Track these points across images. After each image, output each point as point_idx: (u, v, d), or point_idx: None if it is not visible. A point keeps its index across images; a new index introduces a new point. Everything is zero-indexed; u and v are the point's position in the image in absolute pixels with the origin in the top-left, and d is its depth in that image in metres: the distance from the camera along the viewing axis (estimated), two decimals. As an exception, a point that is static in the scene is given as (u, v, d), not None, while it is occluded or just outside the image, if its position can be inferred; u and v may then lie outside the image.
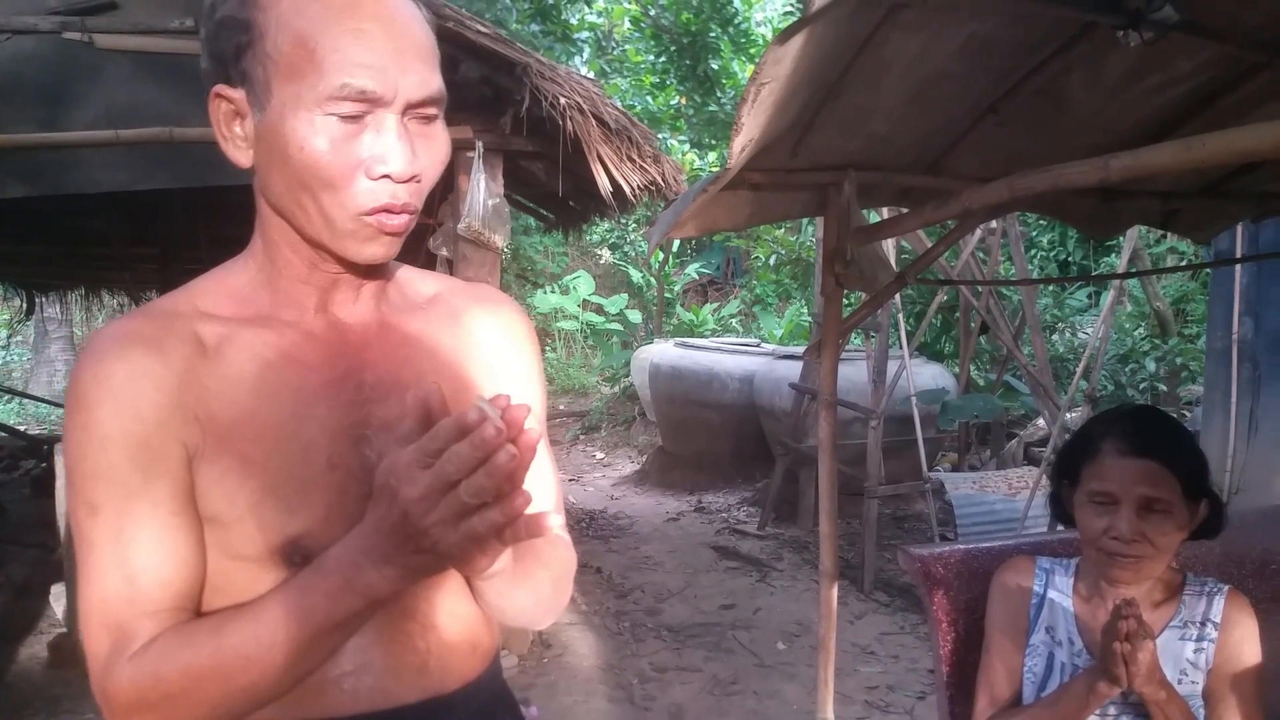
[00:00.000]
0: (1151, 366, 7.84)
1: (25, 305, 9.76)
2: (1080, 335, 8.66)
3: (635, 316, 14.09)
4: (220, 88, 0.94)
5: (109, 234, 6.79)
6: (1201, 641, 1.71)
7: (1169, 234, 7.68)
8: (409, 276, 1.15)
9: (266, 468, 0.94)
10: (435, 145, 0.96)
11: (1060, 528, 1.99)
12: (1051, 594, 1.83)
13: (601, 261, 16.20)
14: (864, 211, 2.19)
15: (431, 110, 0.94)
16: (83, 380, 0.92)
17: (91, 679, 0.91)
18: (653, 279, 14.02)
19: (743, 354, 8.73)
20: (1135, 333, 8.96)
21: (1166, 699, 1.57)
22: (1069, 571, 1.84)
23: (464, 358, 1.08)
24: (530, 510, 1.11)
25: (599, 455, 10.62)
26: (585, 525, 7.29)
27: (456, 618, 1.05)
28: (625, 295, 14.51)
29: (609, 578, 5.93)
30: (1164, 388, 7.78)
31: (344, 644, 0.91)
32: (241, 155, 0.96)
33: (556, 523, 1.10)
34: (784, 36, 1.34)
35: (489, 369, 1.11)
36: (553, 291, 14.77)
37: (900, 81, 1.83)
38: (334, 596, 0.84)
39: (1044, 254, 10.44)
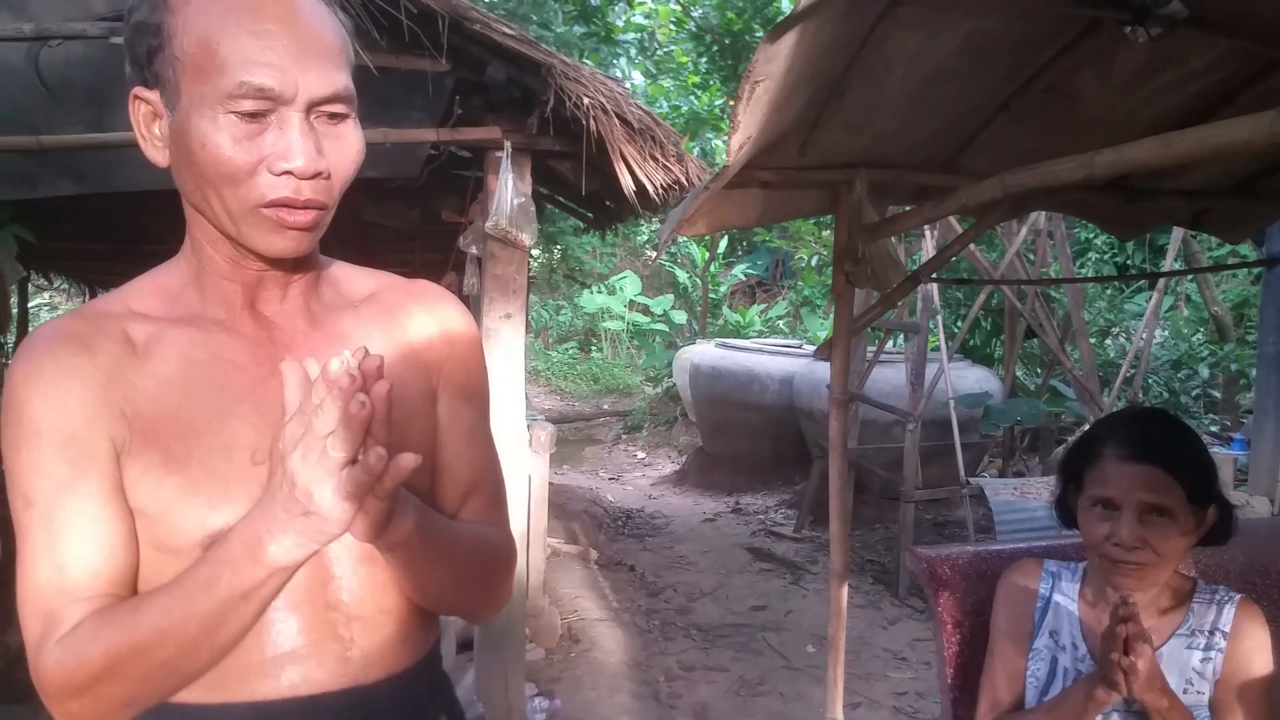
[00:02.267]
0: (1205, 373, 7.64)
1: (86, 300, 10.06)
2: (1139, 340, 8.49)
3: (680, 317, 14.10)
4: (138, 90, 0.97)
5: (164, 233, 6.97)
6: (1209, 651, 1.66)
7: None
8: (346, 274, 1.16)
9: (189, 464, 0.96)
10: (344, 144, 0.97)
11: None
12: (1057, 598, 1.80)
13: (649, 262, 16.23)
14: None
15: (338, 108, 0.95)
16: (15, 378, 0.96)
17: (29, 663, 0.94)
18: (699, 279, 14.02)
19: (783, 355, 8.70)
20: (1193, 338, 8.74)
21: (1169, 707, 1.53)
22: (1076, 575, 1.80)
23: (395, 356, 1.08)
24: (455, 492, 1.11)
25: (640, 455, 10.66)
26: (622, 524, 7.32)
27: (384, 610, 1.05)
28: (671, 296, 14.53)
29: (642, 576, 5.95)
30: (1218, 394, 7.58)
31: (256, 615, 0.92)
32: (159, 155, 0.98)
33: (476, 508, 1.12)
34: (774, 34, 1.34)
35: (422, 368, 1.12)
36: (600, 292, 14.83)
37: (904, 78, 1.82)
38: (237, 568, 0.87)
39: (1100, 256, 10.24)
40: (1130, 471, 1.61)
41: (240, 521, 0.89)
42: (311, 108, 0.93)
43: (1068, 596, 1.79)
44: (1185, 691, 1.63)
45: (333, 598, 1.02)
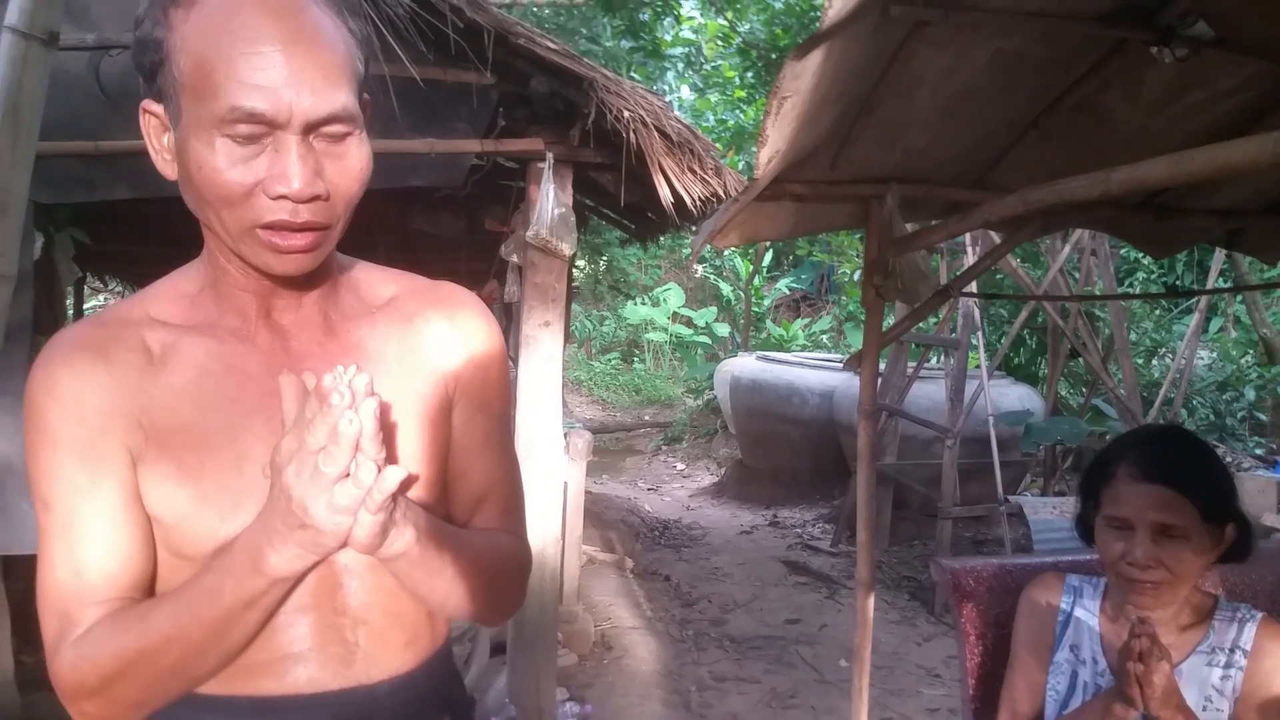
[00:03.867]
0: (1252, 395, 7.51)
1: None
2: (1181, 360, 8.37)
3: (723, 330, 14.12)
4: (147, 103, 0.96)
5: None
6: (1229, 668, 1.66)
7: None
8: (368, 277, 1.14)
9: (202, 476, 0.98)
10: (346, 164, 0.95)
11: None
12: (1078, 612, 1.80)
13: (694, 275, 16.27)
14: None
15: (338, 128, 0.94)
16: (34, 386, 0.98)
17: (47, 662, 0.98)
18: (742, 293, 14.03)
19: (824, 369, 8.68)
20: (1241, 360, 8.60)
21: None
22: (1098, 590, 1.81)
23: (410, 364, 1.08)
24: (467, 500, 1.13)
25: (679, 466, 10.68)
26: (659, 534, 7.35)
27: (389, 614, 1.06)
28: (714, 308, 14.55)
29: (677, 586, 5.97)
30: (1265, 417, 7.44)
31: (261, 621, 0.95)
32: (168, 168, 0.98)
33: (492, 518, 1.14)
34: (800, 51, 1.38)
35: (439, 374, 1.11)
36: (644, 303, 14.90)
37: (933, 95, 1.85)
38: (240, 578, 0.90)
39: (1149, 276, 10.11)
40: (1142, 491, 1.61)
41: (243, 532, 0.91)
42: (309, 130, 0.92)
43: (1089, 611, 1.79)
44: (1204, 709, 1.63)
45: (340, 603, 1.03)
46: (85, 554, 0.97)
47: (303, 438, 0.83)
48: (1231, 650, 1.67)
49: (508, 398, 1.20)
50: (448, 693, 1.18)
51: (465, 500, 1.15)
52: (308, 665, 1.03)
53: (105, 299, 13.42)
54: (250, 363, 1.03)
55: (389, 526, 0.90)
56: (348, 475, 0.83)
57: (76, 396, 0.97)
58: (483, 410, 1.15)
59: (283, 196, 0.91)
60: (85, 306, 8.69)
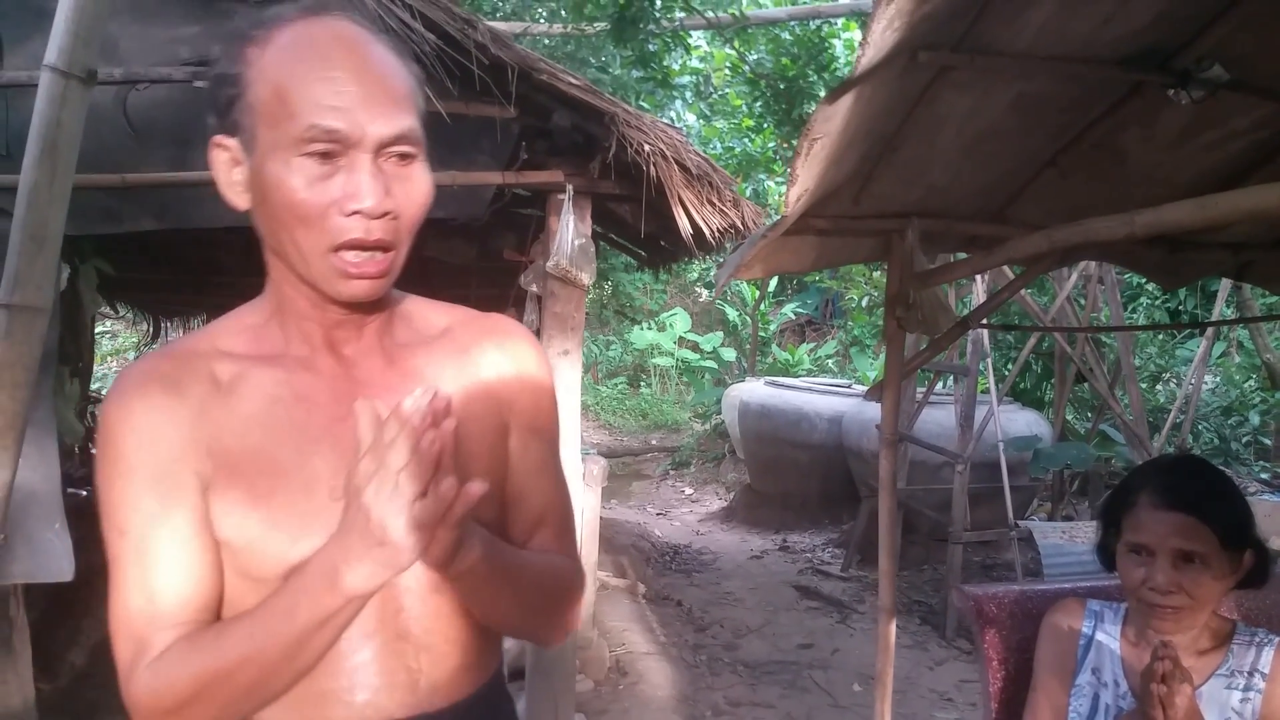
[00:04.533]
0: (1256, 420, 7.55)
1: (151, 330, 10.37)
2: (1188, 386, 8.43)
3: (729, 354, 14.16)
4: (219, 138, 1.03)
5: (229, 264, 7.22)
6: (1249, 691, 1.70)
7: None
8: (420, 310, 1.19)
9: (271, 501, 1.02)
10: (412, 186, 1.02)
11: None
12: (1100, 636, 1.85)
13: (699, 300, 16.34)
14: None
15: (406, 149, 1.01)
16: (108, 417, 1.03)
17: (120, 686, 1.00)
18: (748, 318, 14.09)
19: (833, 394, 8.72)
20: (1245, 385, 8.65)
21: None
22: (1118, 615, 1.85)
23: (467, 391, 1.12)
24: (525, 523, 1.18)
25: (688, 491, 10.70)
26: (669, 559, 7.37)
27: (450, 640, 1.11)
28: (720, 333, 14.60)
29: (689, 611, 5.99)
30: (1269, 441, 7.48)
31: (332, 641, 0.97)
32: (239, 199, 1.04)
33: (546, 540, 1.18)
34: (833, 96, 1.44)
35: (494, 403, 1.16)
36: (650, 328, 14.95)
37: (956, 136, 1.91)
38: (315, 597, 0.93)
39: (1152, 302, 10.18)
40: (1163, 519, 1.66)
41: (317, 553, 0.94)
42: (379, 149, 0.99)
43: (1110, 635, 1.83)
44: (1225, 731, 1.67)
45: (403, 627, 1.08)
46: (159, 579, 1.00)
47: (382, 459, 0.87)
48: (1250, 674, 1.71)
49: (558, 425, 1.25)
50: (505, 716, 1.23)
51: (523, 524, 1.19)
52: (375, 693, 1.06)
53: (112, 325, 13.49)
54: (317, 390, 1.07)
55: (460, 542, 0.94)
56: (425, 494, 0.87)
57: (150, 426, 1.01)
58: (537, 435, 1.20)
59: (357, 213, 0.98)
60: (94, 333, 8.73)
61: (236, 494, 1.02)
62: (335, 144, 0.97)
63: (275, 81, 0.97)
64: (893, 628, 2.42)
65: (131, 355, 16.18)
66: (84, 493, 7.04)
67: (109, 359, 15.38)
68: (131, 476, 1.01)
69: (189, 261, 7.10)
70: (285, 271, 1.06)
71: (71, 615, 5.13)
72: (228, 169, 1.04)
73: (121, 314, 10.15)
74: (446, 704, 1.11)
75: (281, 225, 0.99)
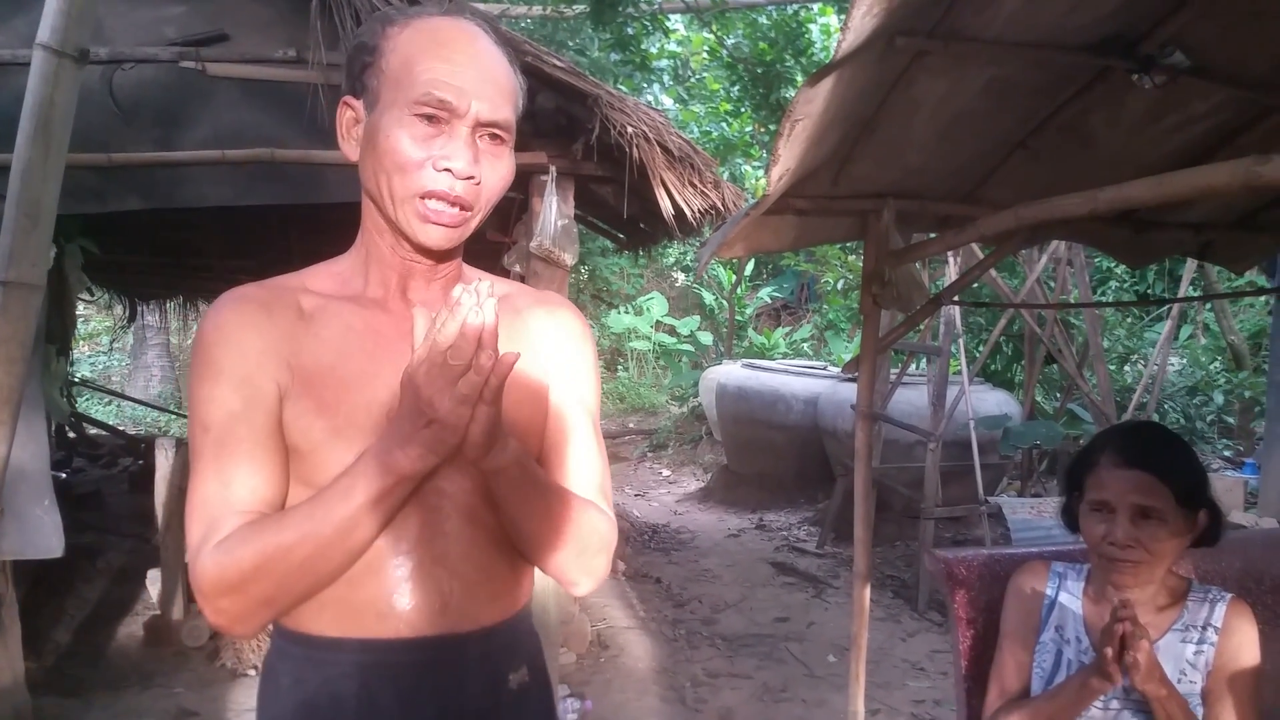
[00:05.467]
0: (1220, 399, 7.74)
1: (128, 312, 10.33)
2: (1153, 366, 8.61)
3: (706, 338, 14.25)
4: (347, 98, 1.20)
5: (208, 247, 7.22)
6: (1202, 644, 1.80)
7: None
8: (481, 278, 1.34)
9: (337, 412, 1.15)
10: (499, 164, 1.18)
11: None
12: (1063, 596, 1.93)
13: (676, 284, 16.41)
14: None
15: (499, 133, 1.17)
16: (206, 327, 1.18)
17: (188, 565, 1.11)
18: (725, 301, 14.18)
19: (808, 376, 8.84)
20: (1210, 366, 8.85)
21: (1167, 696, 1.67)
22: (1081, 575, 1.94)
23: (518, 345, 1.20)
24: (560, 475, 1.28)
25: (665, 472, 10.80)
26: (648, 538, 7.47)
27: (480, 568, 1.21)
28: (697, 317, 14.68)
29: (668, 588, 6.09)
30: (1233, 420, 7.67)
31: (382, 524, 1.10)
32: (352, 151, 1.21)
33: (590, 493, 1.27)
34: (814, 79, 1.52)
35: (542, 357, 1.29)
36: (627, 312, 15.01)
37: (930, 119, 1.99)
38: (370, 477, 1.06)
39: (1121, 284, 10.36)
40: (1123, 476, 1.76)
41: (374, 441, 1.08)
42: (477, 127, 1.14)
43: (1073, 595, 1.92)
44: (1179, 681, 1.77)
45: (439, 552, 1.18)
46: (234, 470, 1.12)
47: (432, 343, 0.98)
48: (1204, 628, 1.80)
49: (595, 389, 1.36)
50: (527, 646, 1.32)
51: (561, 475, 1.28)
52: (407, 612, 1.17)
53: (84, 308, 13.36)
54: (386, 326, 1.21)
55: (497, 433, 1.05)
56: (470, 369, 0.98)
57: (240, 337, 1.16)
58: (574, 393, 1.32)
59: (447, 170, 1.13)
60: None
61: (307, 403, 1.15)
62: (443, 112, 1.12)
63: (405, 55, 1.14)
64: (867, 592, 2.52)
65: (105, 340, 16.09)
66: (63, 475, 7.06)
67: (82, 343, 15.27)
68: (220, 379, 1.14)
69: (168, 244, 7.10)
70: (375, 217, 1.22)
71: (55, 594, 5.17)
72: (349, 125, 1.21)
73: (96, 297, 10.11)
74: (473, 628, 1.21)
75: (382, 169, 1.14)
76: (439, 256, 1.23)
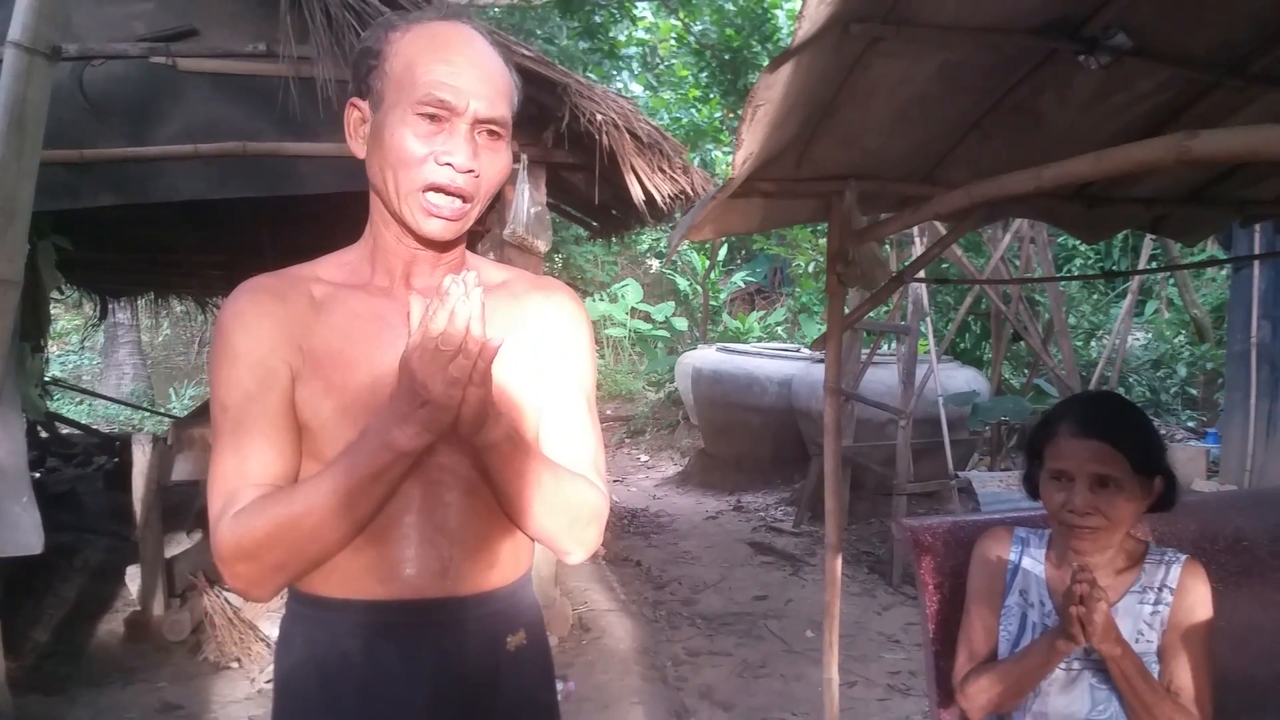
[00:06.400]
0: (1184, 372, 7.89)
1: (99, 309, 10.27)
2: (1115, 339, 8.75)
3: (681, 324, 14.31)
4: (354, 99, 1.29)
5: (179, 243, 7.19)
6: (1158, 605, 1.86)
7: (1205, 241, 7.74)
8: (486, 266, 1.43)
9: (344, 392, 1.24)
10: (496, 157, 1.27)
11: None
12: (1026, 561, 1.99)
13: (650, 271, 16.45)
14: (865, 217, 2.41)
15: (496, 129, 1.25)
16: (225, 315, 1.27)
17: (210, 535, 1.20)
18: (699, 287, 14.23)
19: (782, 358, 8.92)
20: (1174, 339, 9.01)
21: (1121, 654, 1.74)
22: (1043, 541, 2.00)
23: (515, 328, 1.31)
24: (555, 450, 1.35)
25: (643, 458, 10.88)
26: (627, 522, 7.54)
27: (478, 537, 1.29)
28: (672, 303, 14.74)
29: (648, 570, 6.17)
30: (1196, 392, 7.82)
31: (384, 497, 1.19)
32: (360, 149, 1.30)
33: (583, 467, 1.34)
34: (773, 65, 1.57)
35: (539, 339, 1.36)
36: (601, 300, 15.04)
37: (887, 101, 2.05)
38: (371, 453, 1.14)
39: (1085, 262, 10.51)
40: (1081, 446, 1.82)
41: (373, 420, 1.16)
42: (476, 124, 1.23)
43: (1035, 560, 1.98)
44: (1136, 641, 1.84)
45: (441, 520, 1.27)
46: (250, 445, 1.22)
47: (425, 329, 1.06)
48: (1160, 589, 1.87)
49: (590, 370, 1.43)
50: (525, 613, 1.40)
51: (556, 452, 1.35)
52: (410, 576, 1.26)
53: (53, 308, 13.24)
54: (390, 312, 1.29)
55: (487, 412, 1.12)
56: (459, 353, 1.05)
57: (255, 324, 1.25)
58: (569, 374, 1.39)
59: (448, 164, 1.22)
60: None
61: (317, 384, 1.24)
62: (444, 111, 1.21)
63: (408, 58, 1.23)
64: (839, 563, 2.59)
65: (75, 338, 15.94)
66: (36, 474, 7.02)
67: (52, 342, 15.12)
68: (237, 362, 1.24)
69: (139, 240, 7.07)
70: (381, 210, 1.30)
71: (33, 594, 5.16)
72: (357, 125, 1.30)
73: (66, 295, 10.04)
74: (471, 592, 1.30)
75: (387, 164, 1.23)
76: (441, 247, 1.31)
